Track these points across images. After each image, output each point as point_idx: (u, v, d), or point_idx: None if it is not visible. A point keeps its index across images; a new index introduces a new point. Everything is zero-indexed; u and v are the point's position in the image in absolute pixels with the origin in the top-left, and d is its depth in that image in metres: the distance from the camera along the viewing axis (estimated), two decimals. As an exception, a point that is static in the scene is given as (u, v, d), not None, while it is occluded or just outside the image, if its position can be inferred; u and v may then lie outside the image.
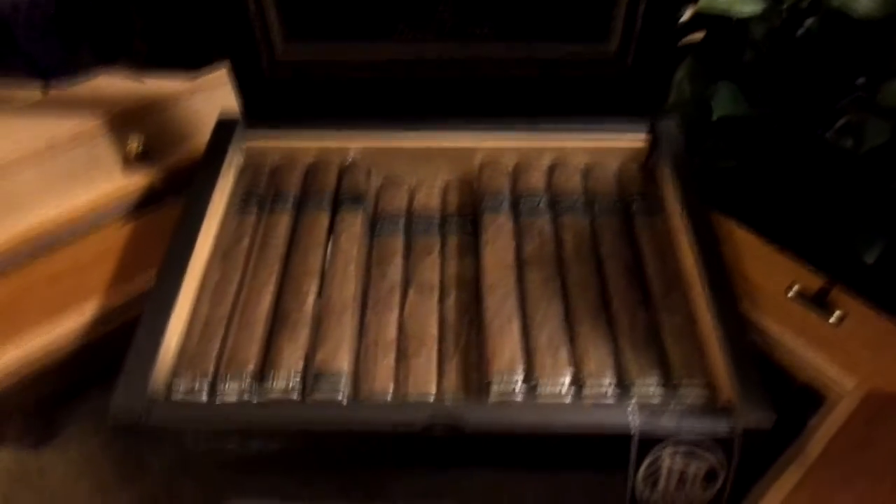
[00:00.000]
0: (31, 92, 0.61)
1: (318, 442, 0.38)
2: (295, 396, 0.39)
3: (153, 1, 0.61)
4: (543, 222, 0.48)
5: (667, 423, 0.36)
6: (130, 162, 0.60)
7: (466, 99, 0.51)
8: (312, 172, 0.52)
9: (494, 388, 0.39)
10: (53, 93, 0.61)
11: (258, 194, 0.50)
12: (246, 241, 0.47)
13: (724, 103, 0.65)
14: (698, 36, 0.74)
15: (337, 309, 0.43)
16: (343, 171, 0.52)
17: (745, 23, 0.68)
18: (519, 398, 0.39)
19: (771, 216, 0.58)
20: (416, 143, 0.51)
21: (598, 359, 0.40)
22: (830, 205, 0.64)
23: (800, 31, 0.65)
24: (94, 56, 0.63)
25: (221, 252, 0.47)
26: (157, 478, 0.42)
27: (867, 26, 0.62)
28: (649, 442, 0.36)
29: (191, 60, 0.62)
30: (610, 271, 0.45)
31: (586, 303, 0.43)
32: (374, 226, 0.49)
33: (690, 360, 0.40)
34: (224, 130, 0.52)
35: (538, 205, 0.49)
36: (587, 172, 0.52)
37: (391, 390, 0.40)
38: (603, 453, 0.38)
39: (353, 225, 0.48)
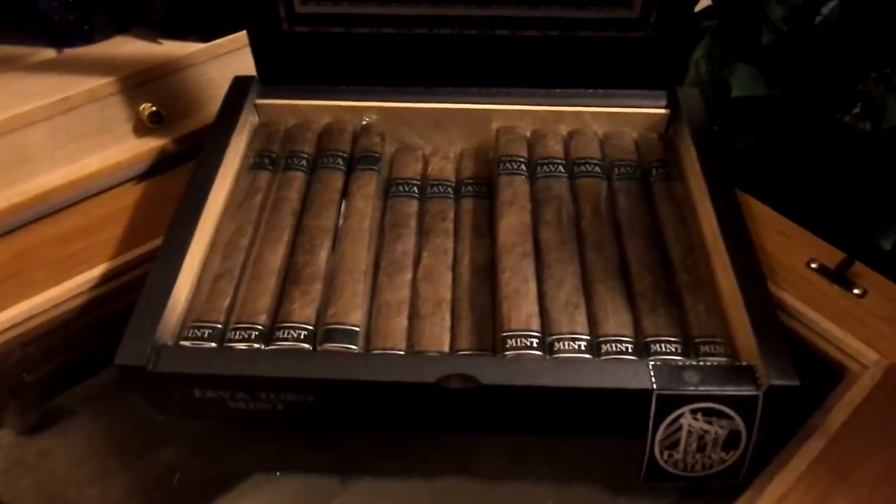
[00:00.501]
0: (46, 51, 0.61)
1: (328, 394, 0.37)
2: (306, 347, 0.38)
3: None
4: (561, 185, 0.47)
5: (688, 381, 0.35)
6: (143, 125, 0.59)
7: (484, 63, 0.50)
8: (327, 134, 0.51)
9: (510, 344, 0.38)
10: (67, 52, 0.60)
11: (272, 154, 0.50)
12: (259, 197, 0.46)
13: (743, 83, 0.64)
14: (713, 23, 0.74)
15: (350, 266, 0.43)
16: (358, 135, 0.52)
17: (763, 4, 0.68)
18: (535, 355, 0.38)
19: (788, 196, 0.57)
20: (433, 106, 0.50)
21: (616, 318, 0.39)
22: (847, 187, 0.63)
23: (820, 12, 0.65)
24: (109, 21, 0.63)
25: (234, 207, 0.46)
26: (159, 462, 0.41)
27: (888, 7, 0.61)
28: (669, 401, 0.35)
29: (207, 27, 0.61)
30: (628, 234, 0.44)
31: (604, 264, 0.42)
32: (388, 190, 0.49)
33: (711, 319, 0.39)
34: (240, 88, 0.51)
35: (556, 169, 0.48)
36: (606, 140, 0.51)
37: (404, 348, 0.39)
38: (621, 413, 0.37)
39: (368, 185, 0.47)
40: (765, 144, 0.67)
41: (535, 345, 0.38)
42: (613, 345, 0.38)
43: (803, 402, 0.41)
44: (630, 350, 0.38)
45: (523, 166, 0.48)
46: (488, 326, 0.41)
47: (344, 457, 0.41)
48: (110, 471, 0.41)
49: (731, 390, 0.35)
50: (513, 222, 0.45)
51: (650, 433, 0.36)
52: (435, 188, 0.49)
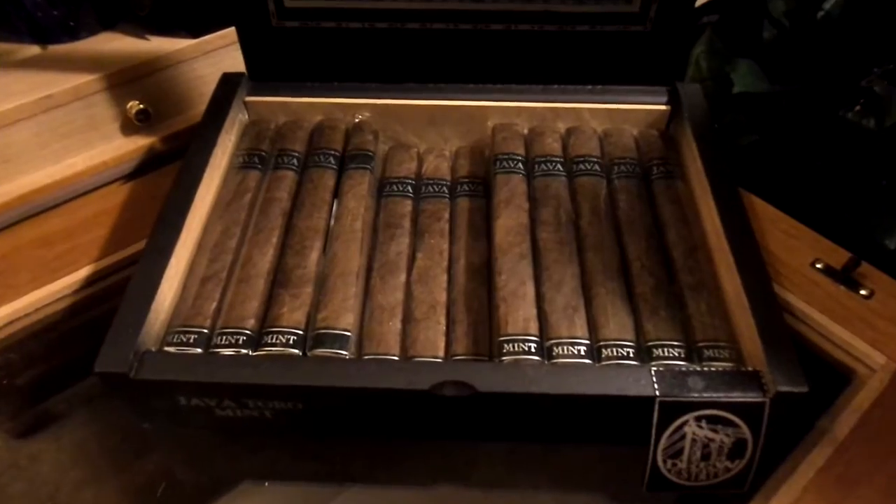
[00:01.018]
0: (30, 48, 0.59)
1: (318, 402, 0.36)
2: (296, 352, 0.37)
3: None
4: (559, 185, 0.46)
5: (692, 387, 0.34)
6: (130, 123, 0.58)
7: (480, 59, 0.48)
8: (319, 132, 0.50)
9: (507, 349, 0.37)
10: (52, 48, 0.59)
11: (262, 152, 0.48)
12: (248, 197, 0.45)
13: (744, 79, 0.63)
14: (714, 18, 0.73)
15: (342, 269, 0.41)
16: (350, 132, 0.50)
17: (764, -1, 0.66)
18: (533, 360, 0.37)
19: (791, 194, 0.56)
20: (427, 103, 0.49)
21: (616, 321, 0.38)
22: (851, 185, 0.62)
23: (822, 7, 0.64)
24: (95, 17, 0.61)
25: (222, 207, 0.44)
26: (150, 466, 0.40)
27: (891, 1, 0.60)
28: (672, 408, 0.34)
29: (195, 23, 0.60)
30: (628, 234, 0.43)
31: (604, 265, 0.41)
32: (382, 189, 0.47)
33: (714, 322, 0.38)
34: (228, 85, 0.50)
35: (554, 167, 0.47)
36: (605, 137, 0.50)
37: (398, 353, 0.38)
38: (622, 420, 0.36)
39: (361, 184, 0.46)
40: (767, 141, 0.66)
41: (533, 350, 0.37)
42: (614, 349, 0.37)
43: (810, 407, 0.40)
44: (631, 355, 0.37)
45: (520, 164, 0.47)
46: (485, 330, 0.40)
47: (335, 464, 0.40)
48: (102, 475, 0.40)
49: (736, 397, 0.34)
50: (510, 222, 0.43)
51: (653, 441, 0.34)
52: (430, 187, 0.48)
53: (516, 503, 0.39)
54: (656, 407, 0.34)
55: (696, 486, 0.36)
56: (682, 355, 0.37)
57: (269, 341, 0.37)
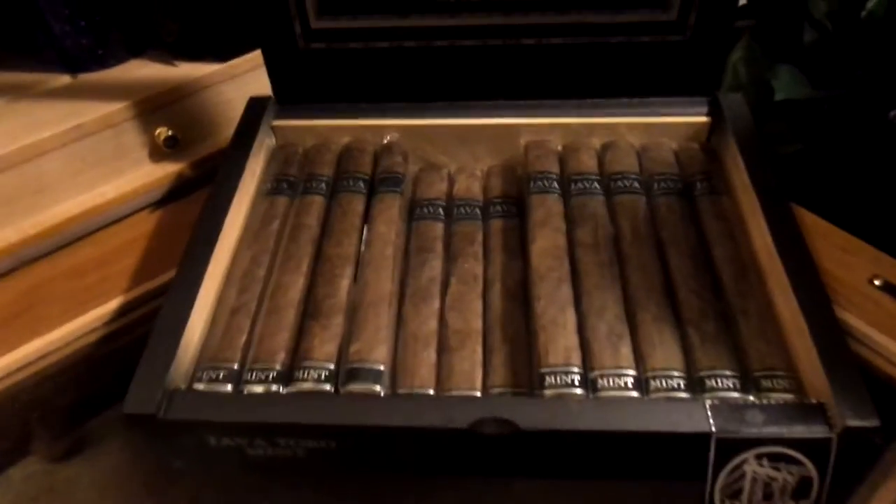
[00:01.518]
0: (61, 77, 0.60)
1: (352, 441, 0.34)
2: (328, 389, 0.36)
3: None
4: (597, 204, 0.44)
5: (751, 421, 0.32)
6: (159, 150, 0.58)
7: (510, 74, 0.47)
8: (347, 155, 0.49)
9: (549, 382, 0.35)
10: (82, 77, 0.59)
11: (290, 177, 0.47)
12: (276, 225, 0.44)
13: (786, 85, 0.60)
14: (750, 22, 0.70)
15: (374, 297, 0.40)
16: (379, 155, 0.49)
17: (804, 0, 0.64)
18: (577, 394, 0.35)
19: (840, 206, 0.53)
20: (457, 122, 0.48)
21: (664, 350, 0.36)
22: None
23: (865, 6, 0.61)
24: (124, 45, 0.62)
25: (250, 236, 0.44)
26: (184, 490, 0.40)
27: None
28: (731, 445, 0.32)
29: (222, 47, 0.60)
30: (673, 255, 0.41)
31: (649, 290, 0.39)
32: (412, 212, 0.46)
33: (771, 349, 0.35)
34: (255, 109, 0.49)
35: (591, 186, 0.45)
36: (643, 152, 0.48)
37: (433, 387, 0.36)
38: (675, 459, 0.34)
39: (391, 208, 0.45)
40: (812, 150, 0.63)
41: (576, 382, 0.35)
42: (663, 380, 0.35)
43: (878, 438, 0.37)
44: (682, 386, 0.35)
45: (555, 183, 0.45)
46: (523, 358, 0.38)
47: (367, 500, 0.39)
48: (136, 500, 0.40)
49: (800, 432, 0.31)
50: (546, 245, 0.41)
51: (709, 481, 0.32)
52: (462, 209, 0.46)
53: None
54: (713, 444, 0.32)
55: (757, 527, 0.33)
56: (737, 386, 0.35)
57: (301, 377, 0.36)
